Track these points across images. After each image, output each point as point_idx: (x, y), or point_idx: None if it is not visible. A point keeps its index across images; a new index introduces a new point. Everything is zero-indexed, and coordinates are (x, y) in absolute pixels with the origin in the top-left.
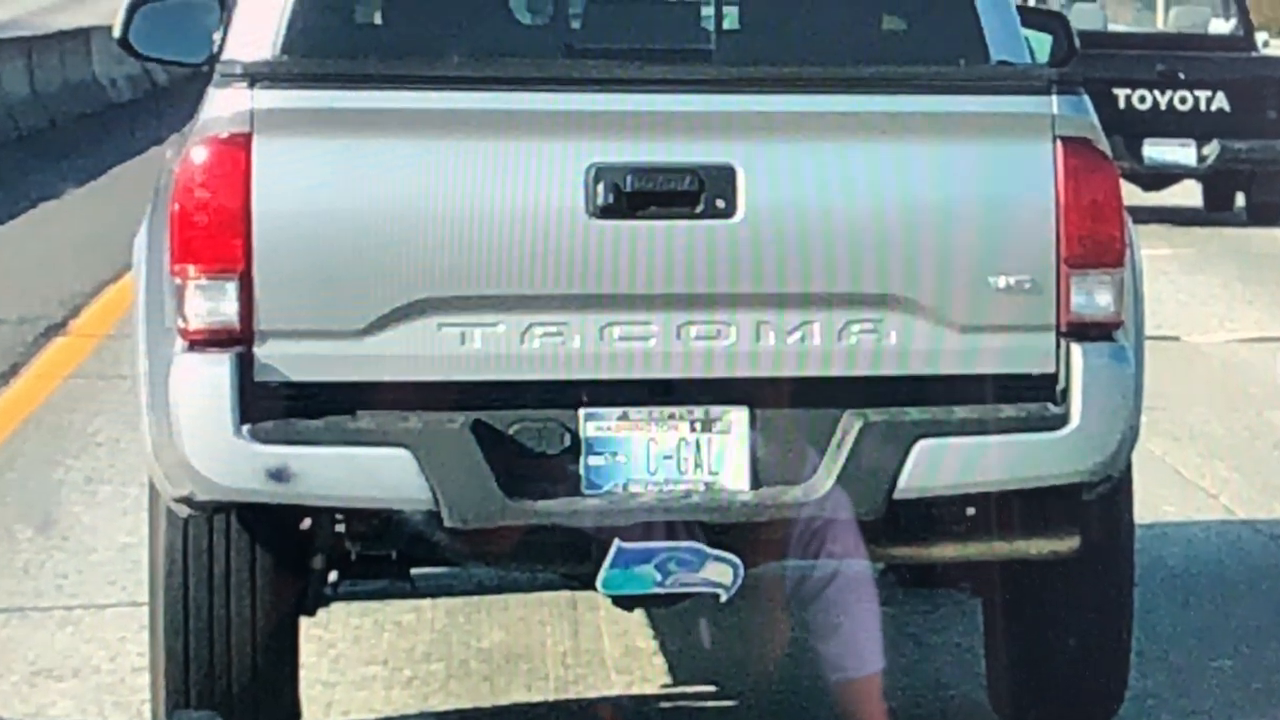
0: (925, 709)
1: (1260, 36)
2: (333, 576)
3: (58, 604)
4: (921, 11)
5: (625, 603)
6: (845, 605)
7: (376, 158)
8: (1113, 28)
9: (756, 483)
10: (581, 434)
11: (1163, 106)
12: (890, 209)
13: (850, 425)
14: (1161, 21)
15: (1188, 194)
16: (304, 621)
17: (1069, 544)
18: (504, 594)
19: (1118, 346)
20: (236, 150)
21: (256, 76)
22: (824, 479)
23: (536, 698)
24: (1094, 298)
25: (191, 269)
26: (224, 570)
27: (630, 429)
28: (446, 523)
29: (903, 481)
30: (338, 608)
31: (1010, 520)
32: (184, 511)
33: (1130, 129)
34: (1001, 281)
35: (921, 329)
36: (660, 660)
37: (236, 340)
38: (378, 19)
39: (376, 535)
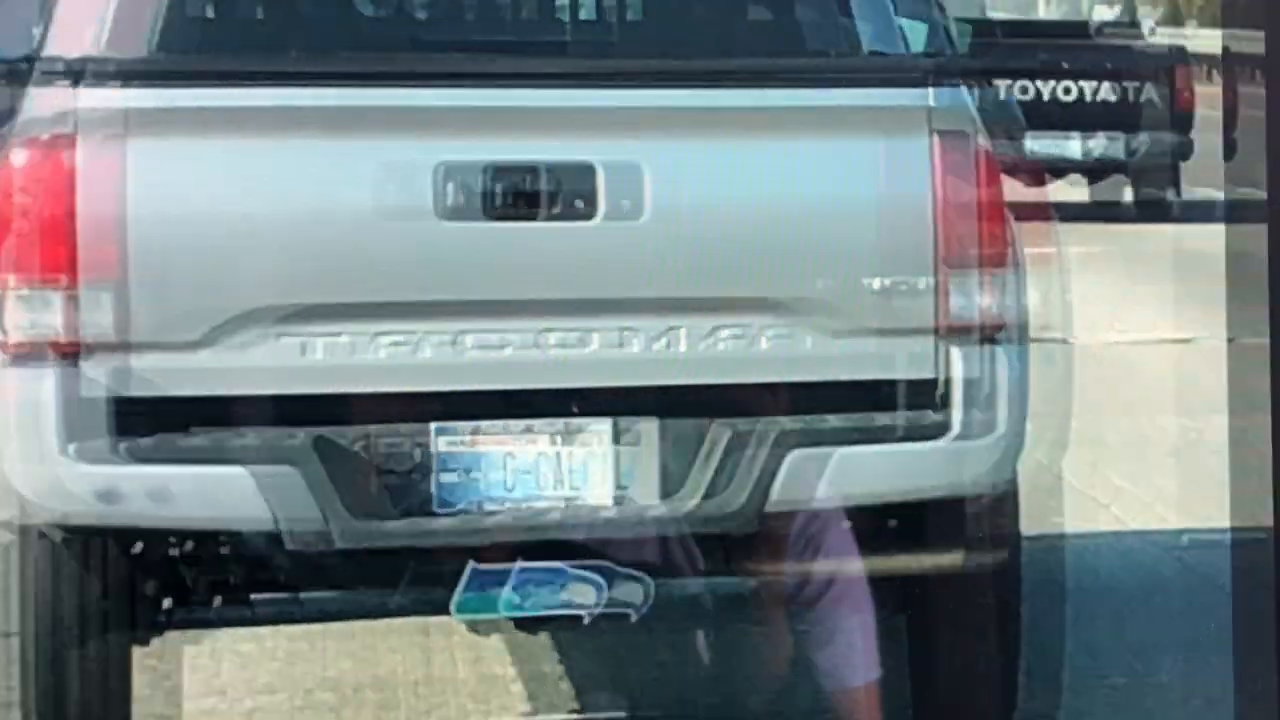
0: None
1: (1146, 24)
2: (167, 604)
3: None
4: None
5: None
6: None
7: (210, 159)
8: (992, 15)
9: (621, 498)
10: (433, 450)
11: (1045, 97)
12: (758, 208)
13: (719, 436)
14: (1044, 8)
15: (1073, 189)
16: (136, 652)
17: (952, 559)
18: (352, 620)
19: (1000, 350)
20: (59, 153)
21: (80, 74)
22: (691, 493)
23: None
24: (975, 299)
25: (12, 279)
26: (49, 599)
27: (485, 444)
28: (287, 546)
29: (775, 494)
30: (172, 637)
31: (890, 534)
32: (5, 537)
33: None
34: (877, 283)
35: (794, 333)
36: (518, 688)
37: (61, 353)
38: (209, 11)
39: (213, 559)
